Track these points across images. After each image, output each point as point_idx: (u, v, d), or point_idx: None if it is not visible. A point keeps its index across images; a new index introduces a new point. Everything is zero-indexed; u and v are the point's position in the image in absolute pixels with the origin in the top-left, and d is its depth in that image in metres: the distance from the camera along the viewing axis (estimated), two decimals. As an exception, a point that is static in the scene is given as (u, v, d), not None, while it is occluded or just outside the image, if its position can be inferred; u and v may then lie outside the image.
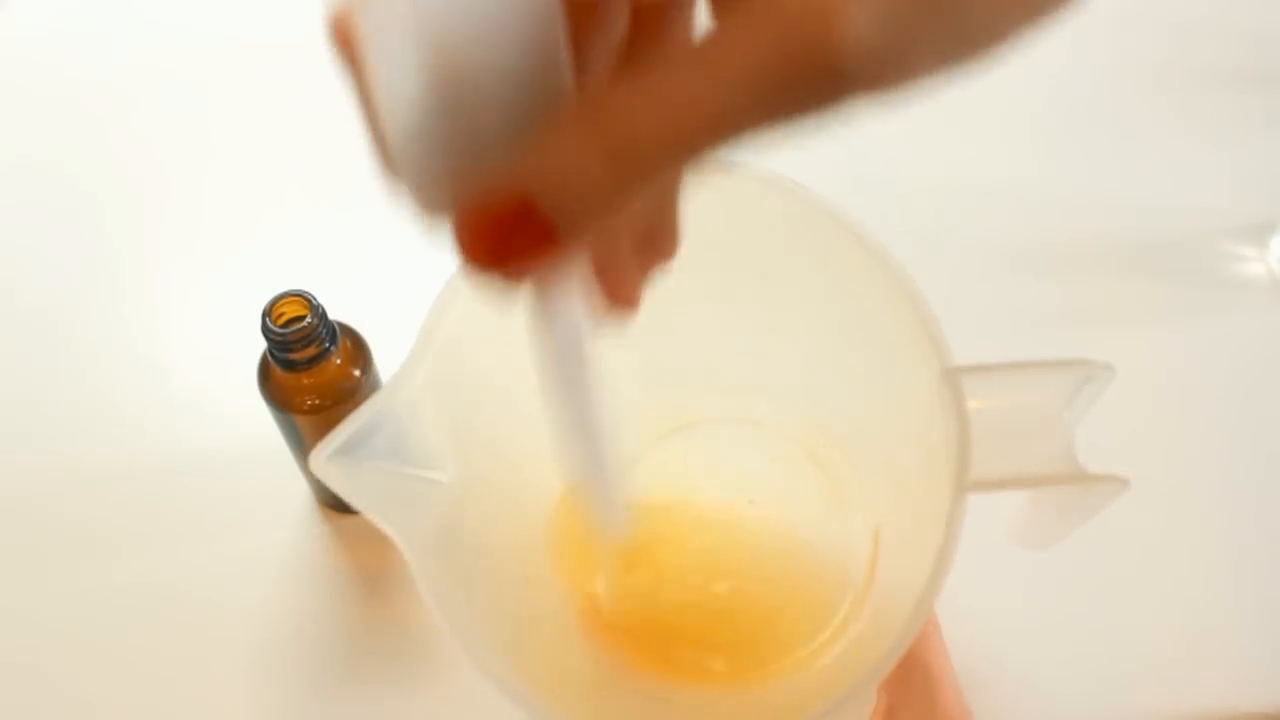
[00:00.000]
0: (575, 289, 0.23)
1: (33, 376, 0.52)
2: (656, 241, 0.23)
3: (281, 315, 0.39)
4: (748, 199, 0.33)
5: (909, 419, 0.36)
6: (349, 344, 0.42)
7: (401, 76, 0.17)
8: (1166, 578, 0.46)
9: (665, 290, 0.25)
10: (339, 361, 0.41)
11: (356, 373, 0.41)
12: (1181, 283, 0.54)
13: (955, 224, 0.55)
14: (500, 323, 0.32)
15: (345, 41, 0.17)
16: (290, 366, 0.39)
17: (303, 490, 0.48)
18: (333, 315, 0.40)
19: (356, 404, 0.41)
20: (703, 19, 0.18)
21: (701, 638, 0.41)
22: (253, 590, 0.46)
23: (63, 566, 0.47)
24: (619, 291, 0.23)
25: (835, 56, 0.15)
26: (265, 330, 0.38)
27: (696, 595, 0.42)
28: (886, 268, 0.31)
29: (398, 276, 0.53)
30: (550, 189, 0.17)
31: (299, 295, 0.39)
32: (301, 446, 0.43)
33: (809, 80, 0.15)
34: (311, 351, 0.39)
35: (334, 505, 0.48)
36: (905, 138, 0.60)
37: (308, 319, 0.38)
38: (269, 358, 0.40)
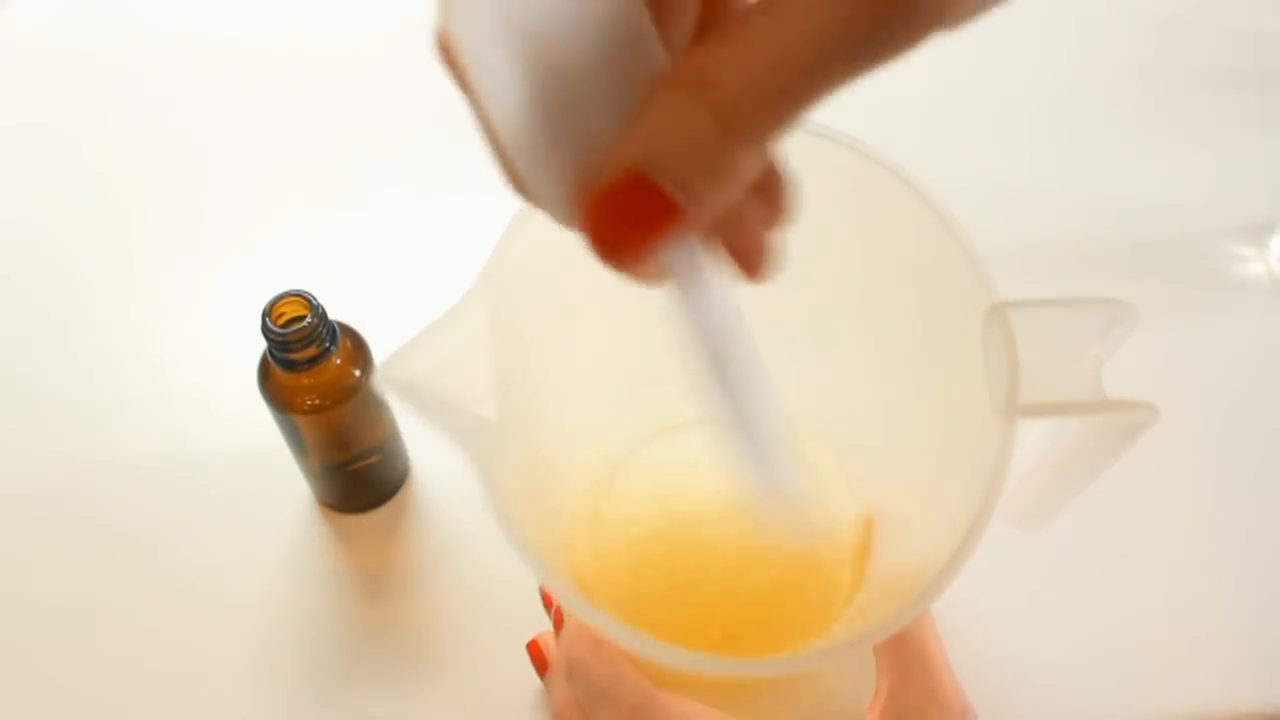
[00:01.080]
0: (710, 269, 0.22)
1: (33, 376, 0.52)
2: (771, 196, 0.23)
3: (281, 315, 0.39)
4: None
5: (918, 408, 0.36)
6: (349, 344, 0.42)
7: (504, 83, 0.17)
8: (1166, 577, 0.46)
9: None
10: (339, 361, 0.41)
11: (356, 373, 0.41)
12: (1181, 283, 0.54)
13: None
14: (549, 268, 0.32)
15: (451, 58, 0.17)
16: (290, 366, 0.39)
17: (303, 490, 0.48)
18: (333, 315, 0.40)
19: (357, 404, 0.41)
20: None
21: (693, 637, 0.41)
22: (253, 590, 0.46)
23: (62, 566, 0.47)
24: (751, 258, 0.23)
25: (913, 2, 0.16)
26: (265, 330, 0.38)
27: (688, 594, 0.42)
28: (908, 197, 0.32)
29: (398, 276, 0.53)
30: (665, 158, 0.17)
31: (299, 295, 0.39)
32: (301, 446, 0.43)
33: (891, 22, 0.16)
34: (311, 351, 0.39)
35: (334, 505, 0.48)
36: (904, 138, 0.60)
37: (308, 319, 0.38)
38: (269, 358, 0.40)
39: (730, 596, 0.42)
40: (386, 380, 0.28)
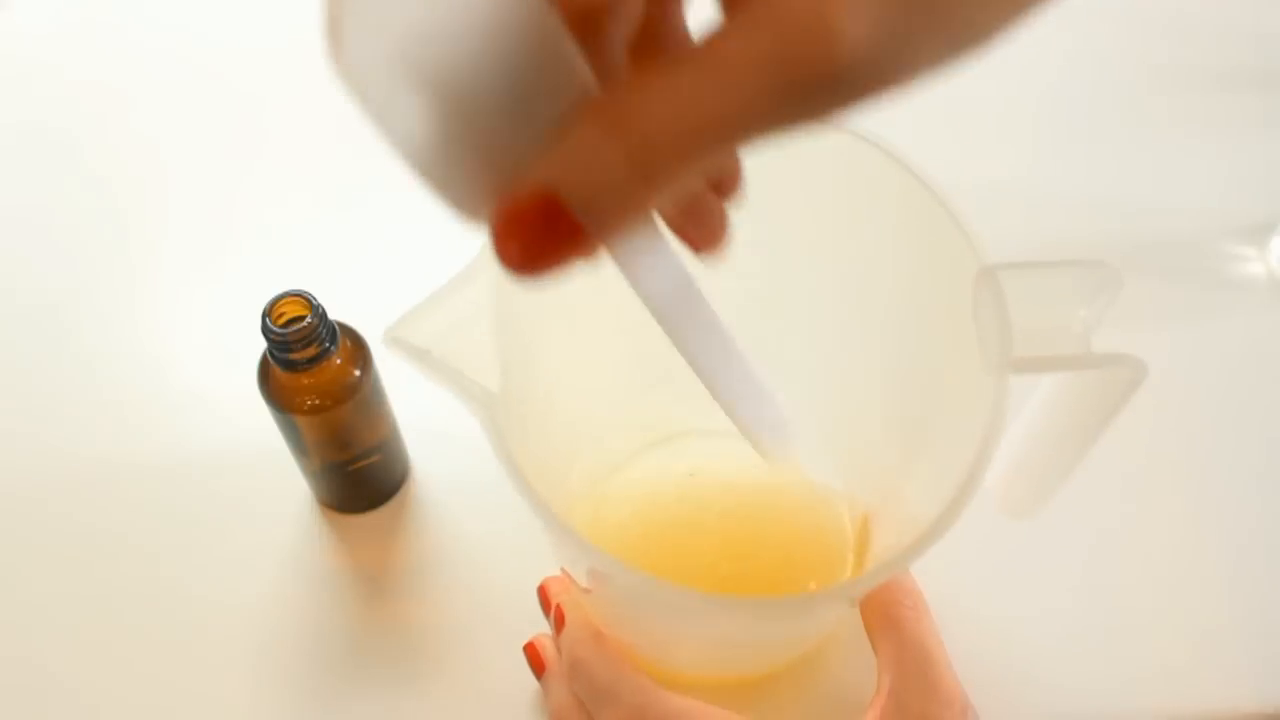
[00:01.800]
0: (662, 242, 0.23)
1: (33, 376, 0.52)
2: (718, 172, 0.23)
3: (281, 315, 0.39)
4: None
5: (905, 414, 0.36)
6: (349, 344, 0.42)
7: (402, 111, 0.17)
8: (1166, 577, 0.46)
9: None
10: (339, 361, 0.41)
11: (356, 373, 0.41)
12: (1181, 283, 0.54)
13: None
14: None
15: (349, 86, 0.18)
16: (290, 366, 0.39)
17: (303, 490, 0.48)
18: (333, 315, 0.40)
19: (357, 404, 0.41)
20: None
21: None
22: (253, 590, 0.46)
23: (62, 566, 0.47)
24: (703, 236, 0.23)
25: (833, 63, 0.16)
26: (265, 330, 0.38)
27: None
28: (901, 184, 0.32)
29: (398, 276, 0.53)
30: (575, 188, 0.18)
31: (299, 295, 0.39)
32: (301, 446, 0.43)
33: (810, 84, 0.16)
34: (311, 351, 0.39)
35: (334, 505, 0.48)
36: (903, 139, 0.59)
37: (308, 319, 0.38)
38: (269, 358, 0.40)
39: (731, 588, 0.42)
40: (392, 341, 0.29)
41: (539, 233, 0.18)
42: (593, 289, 0.29)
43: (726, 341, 0.26)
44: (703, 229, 0.23)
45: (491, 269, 0.30)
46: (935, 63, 0.18)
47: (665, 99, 0.17)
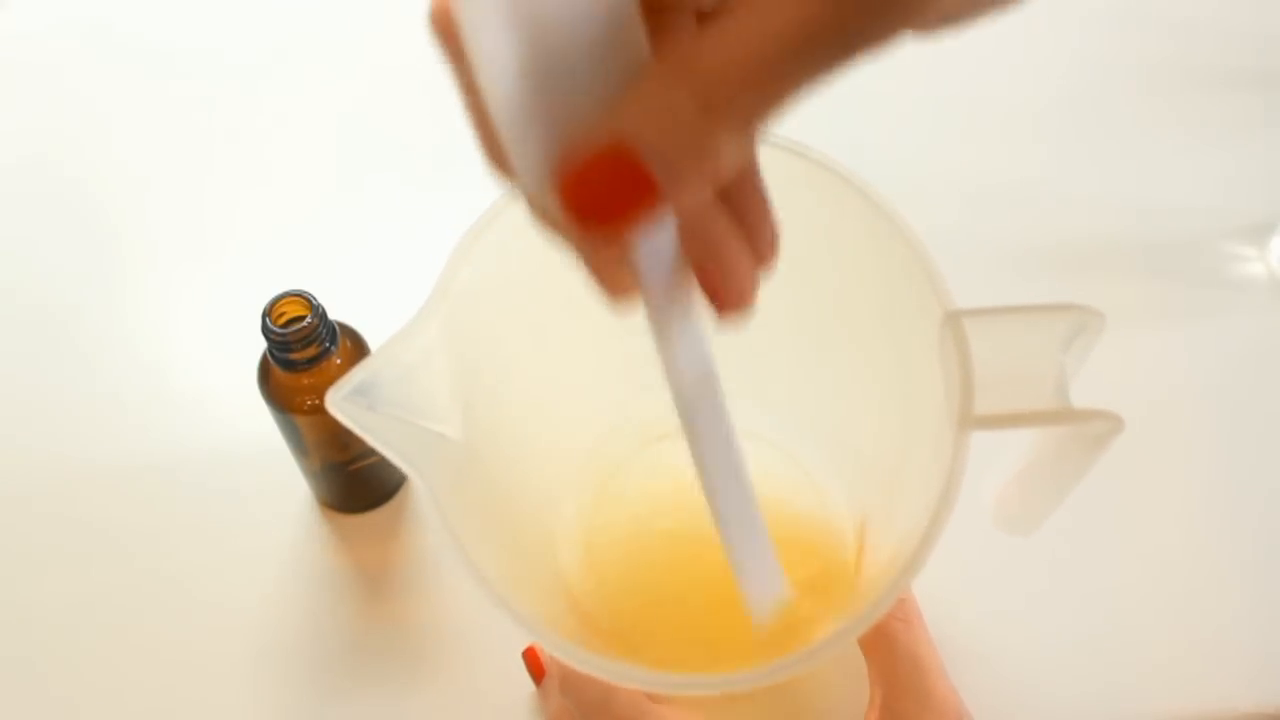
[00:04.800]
0: (688, 297, 0.23)
1: (33, 376, 0.52)
2: (752, 229, 0.23)
3: (281, 315, 0.39)
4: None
5: (900, 416, 0.36)
6: (349, 344, 0.42)
7: (501, 55, 0.18)
8: (1166, 577, 0.46)
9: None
10: (339, 361, 0.41)
11: (356, 373, 0.41)
12: (1181, 283, 0.54)
13: (954, 224, 0.55)
14: (514, 281, 0.32)
15: (446, 32, 0.18)
16: (290, 366, 0.39)
17: (303, 490, 0.48)
18: (333, 315, 0.40)
19: (356, 404, 0.41)
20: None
21: (685, 638, 0.41)
22: (253, 590, 0.46)
23: (62, 566, 0.47)
24: (728, 288, 0.23)
25: None
26: (265, 330, 0.38)
27: (687, 607, 0.42)
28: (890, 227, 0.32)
29: (398, 276, 0.53)
30: (647, 135, 0.18)
31: (299, 295, 0.39)
32: (301, 446, 0.43)
33: (871, 19, 0.17)
34: (311, 351, 0.39)
35: (334, 505, 0.48)
36: (903, 139, 0.60)
37: (308, 319, 0.38)
38: (269, 358, 0.40)
39: (731, 607, 0.42)
40: (332, 405, 0.28)
41: (608, 185, 0.18)
42: (560, 306, 0.29)
43: (741, 463, 0.26)
44: (731, 283, 0.23)
45: (441, 310, 0.30)
46: (978, 4, 0.18)
47: (727, 38, 0.17)
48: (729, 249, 0.23)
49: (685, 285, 0.23)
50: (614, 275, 0.22)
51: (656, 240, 0.22)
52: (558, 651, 0.28)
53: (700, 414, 0.24)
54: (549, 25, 0.18)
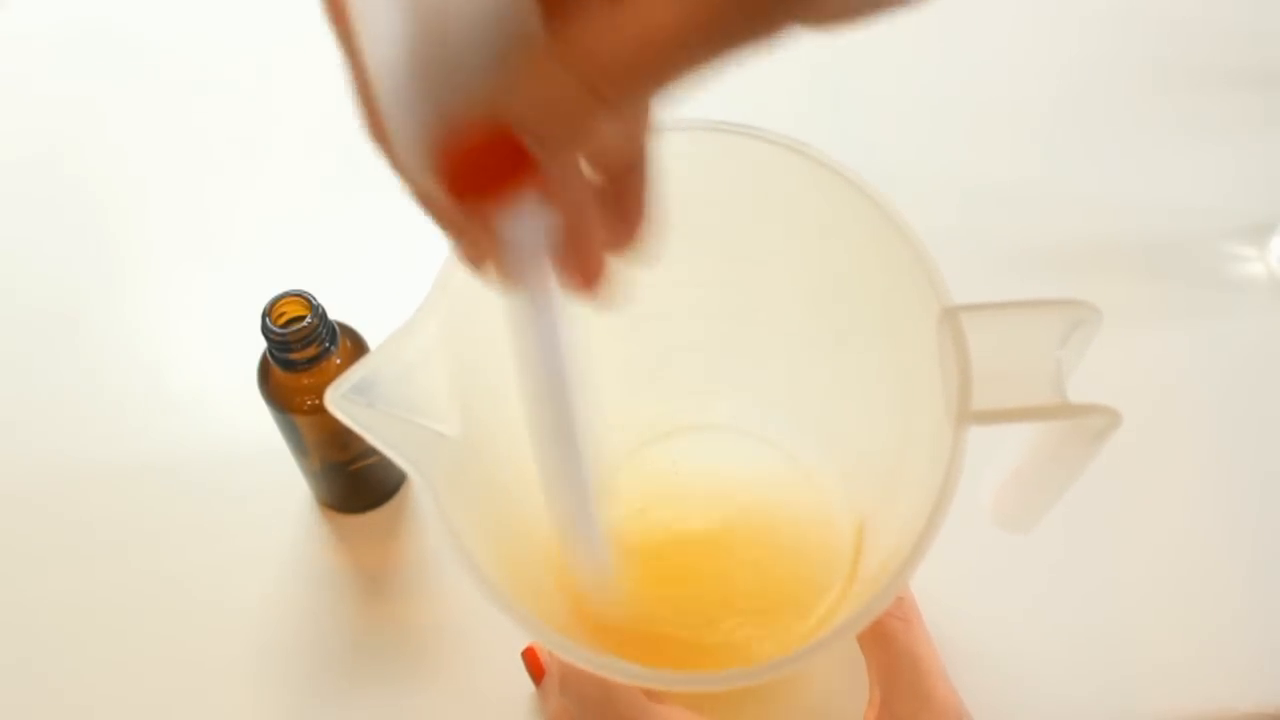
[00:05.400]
0: (551, 281, 0.23)
1: (33, 376, 0.52)
2: (624, 209, 0.24)
3: (282, 315, 0.39)
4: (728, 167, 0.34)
5: (898, 415, 0.36)
6: (349, 344, 0.42)
7: (382, 30, 0.18)
8: (1166, 577, 0.46)
9: (649, 289, 0.25)
10: (339, 361, 0.41)
11: (356, 373, 0.41)
12: (1181, 283, 0.54)
13: (954, 224, 0.55)
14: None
15: (336, 8, 0.18)
16: (290, 366, 0.39)
17: (303, 490, 0.48)
18: (333, 315, 0.40)
19: (356, 404, 0.41)
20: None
21: (684, 636, 0.41)
22: (253, 590, 0.46)
23: (62, 566, 0.47)
24: (587, 265, 0.24)
25: None
26: (265, 330, 0.38)
27: (688, 602, 0.42)
28: (884, 219, 0.32)
29: (398, 276, 0.53)
30: (527, 114, 0.19)
31: (299, 295, 0.39)
32: (301, 446, 0.43)
33: (756, 10, 0.17)
34: (311, 351, 0.39)
35: (334, 505, 0.48)
36: (903, 139, 0.60)
37: (308, 319, 0.38)
38: (269, 358, 0.40)
39: (730, 606, 0.42)
40: (331, 403, 0.28)
41: (486, 162, 0.19)
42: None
43: (586, 447, 0.26)
44: (580, 259, 0.24)
45: (442, 312, 0.30)
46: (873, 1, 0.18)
47: (614, 23, 0.17)
48: (586, 225, 0.23)
49: (548, 270, 0.23)
50: (478, 246, 0.22)
51: (527, 220, 0.22)
52: (556, 648, 0.28)
53: (544, 402, 0.25)
54: (436, 5, 0.18)
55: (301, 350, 0.38)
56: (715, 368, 0.42)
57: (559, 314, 0.24)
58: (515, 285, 0.23)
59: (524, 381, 0.25)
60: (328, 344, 0.39)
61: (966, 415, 0.28)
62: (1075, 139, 0.60)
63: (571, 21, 0.18)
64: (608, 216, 0.24)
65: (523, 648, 0.42)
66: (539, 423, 0.26)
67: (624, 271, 0.24)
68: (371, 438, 0.28)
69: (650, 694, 0.35)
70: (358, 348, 0.42)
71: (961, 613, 0.44)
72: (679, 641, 0.41)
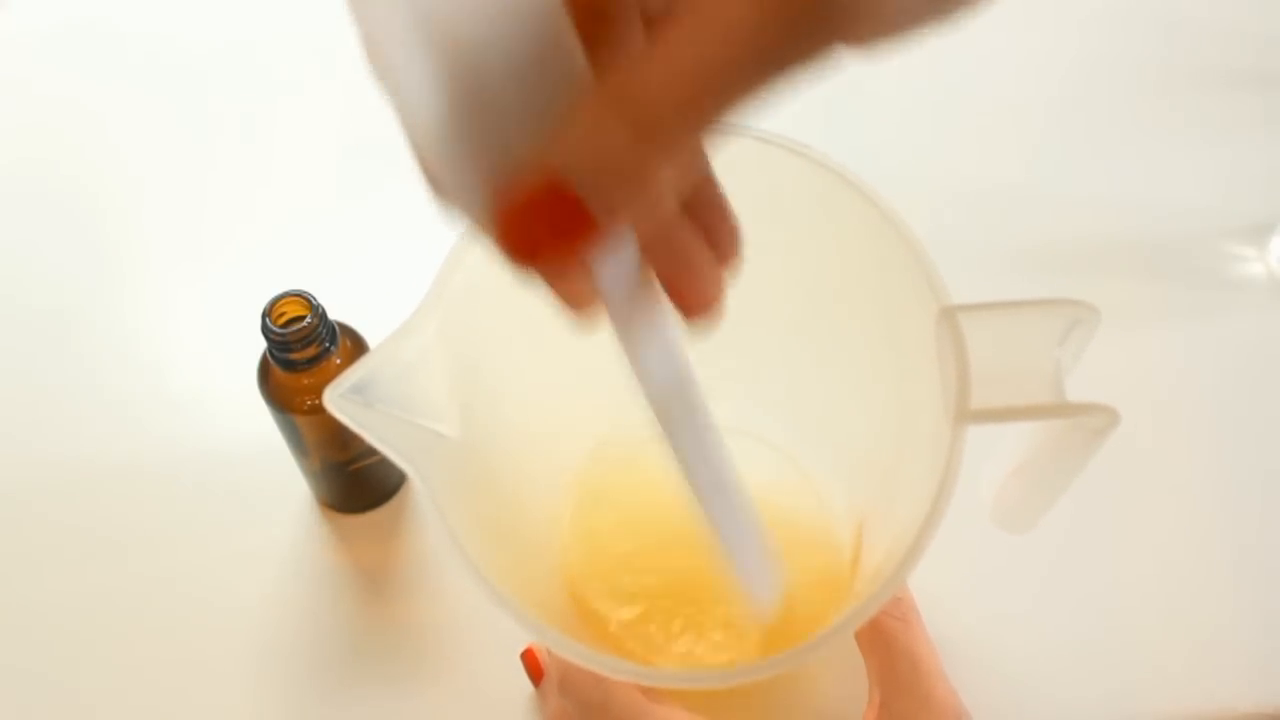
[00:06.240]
0: (654, 308, 0.23)
1: (33, 376, 0.52)
2: (714, 233, 0.23)
3: (282, 315, 0.39)
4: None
5: (897, 415, 0.36)
6: (349, 344, 0.42)
7: (421, 89, 0.17)
8: (1166, 578, 0.46)
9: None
10: (339, 361, 0.41)
11: (356, 373, 0.41)
12: (1181, 283, 0.54)
13: (954, 224, 0.55)
14: (512, 280, 0.32)
15: (374, 61, 0.18)
16: (290, 366, 0.39)
17: (303, 490, 0.48)
18: (333, 315, 0.40)
19: (356, 404, 0.41)
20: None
21: (684, 635, 0.41)
22: (253, 590, 0.46)
23: (62, 566, 0.47)
24: (695, 294, 0.23)
25: (821, 5, 0.16)
26: (265, 330, 0.38)
27: (687, 602, 0.42)
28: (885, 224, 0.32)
29: (398, 276, 0.53)
30: (581, 168, 0.18)
31: (299, 295, 0.39)
32: (301, 446, 0.43)
33: (800, 31, 0.16)
34: (311, 351, 0.39)
35: (334, 505, 0.48)
36: (903, 139, 0.60)
37: (308, 319, 0.38)
38: (269, 358, 0.40)
39: (729, 605, 0.42)
40: (329, 402, 0.28)
41: (542, 221, 0.18)
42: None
43: (726, 466, 0.25)
44: (696, 288, 0.23)
45: (438, 310, 0.30)
46: (918, 19, 0.18)
47: (659, 62, 0.17)
48: (691, 256, 0.23)
49: (650, 296, 0.23)
50: (574, 294, 0.22)
51: (615, 257, 0.22)
52: (554, 646, 0.28)
53: (677, 422, 0.24)
54: (473, 56, 0.18)
55: (301, 350, 0.38)
56: (715, 368, 0.42)
57: (674, 340, 0.23)
58: (614, 319, 0.22)
59: (652, 405, 0.24)
60: (328, 344, 0.39)
61: (965, 414, 0.28)
62: (1075, 139, 0.60)
63: (614, 62, 0.17)
64: (698, 236, 0.23)
65: (522, 648, 0.42)
66: (678, 444, 0.25)
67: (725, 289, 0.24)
68: (370, 437, 0.28)
69: (649, 695, 0.35)
70: (358, 348, 0.42)
71: (961, 613, 0.44)
72: (677, 639, 0.41)
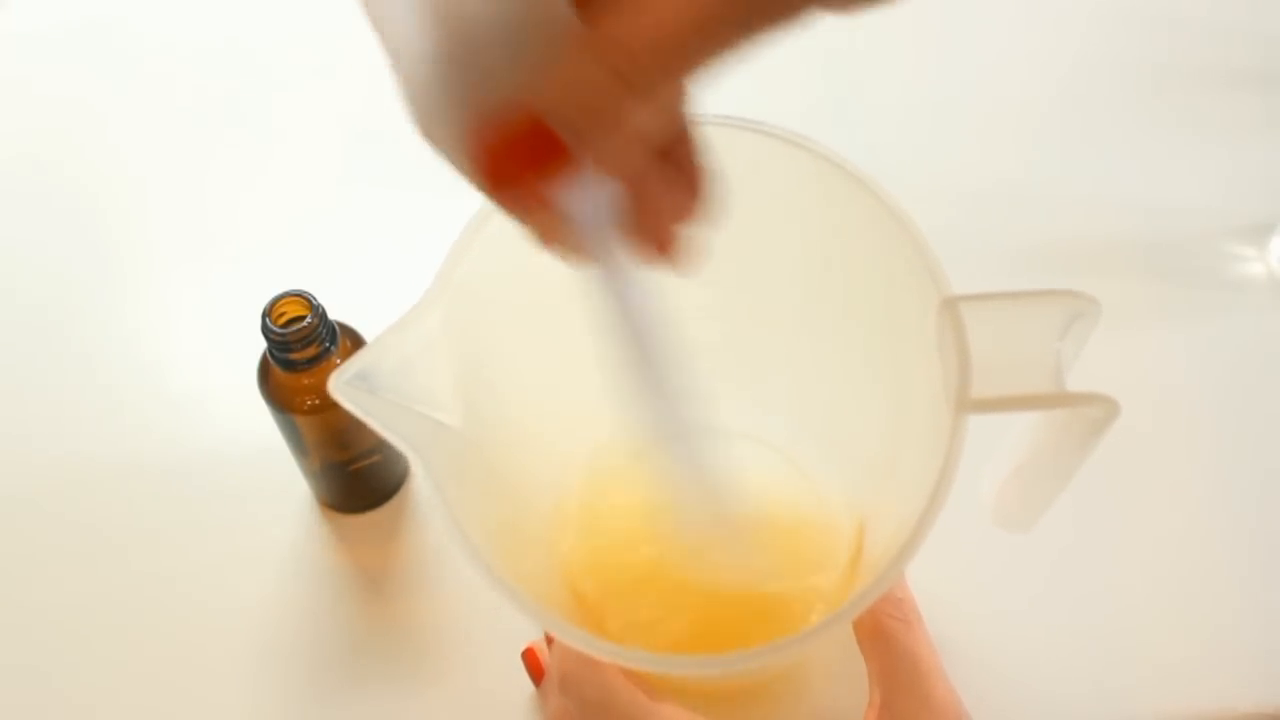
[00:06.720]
0: (623, 252, 0.23)
1: (33, 376, 0.52)
2: (687, 180, 0.24)
3: (282, 315, 0.39)
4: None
5: (898, 411, 0.36)
6: (349, 344, 0.42)
7: (408, 29, 0.19)
8: (1166, 578, 0.46)
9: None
10: (339, 361, 0.41)
11: (356, 373, 0.41)
12: (1181, 283, 0.54)
13: (954, 224, 0.54)
14: (516, 273, 0.32)
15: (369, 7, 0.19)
16: (290, 366, 0.39)
17: (303, 490, 0.48)
18: (333, 315, 0.40)
19: (356, 404, 0.41)
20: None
21: (684, 628, 0.41)
22: (253, 590, 0.46)
23: (62, 566, 0.47)
24: (656, 235, 0.24)
25: None
26: (265, 330, 0.38)
27: (686, 599, 0.42)
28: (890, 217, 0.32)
29: (398, 276, 0.53)
30: (558, 104, 0.19)
31: (299, 295, 0.39)
32: (301, 446, 0.43)
33: None
34: (311, 351, 0.39)
35: (334, 505, 0.48)
36: (904, 139, 0.60)
37: (308, 319, 0.38)
38: (269, 358, 0.40)
39: (730, 599, 0.42)
40: (334, 389, 0.29)
41: (519, 153, 0.19)
42: (562, 297, 0.29)
43: (683, 376, 0.27)
44: (656, 230, 0.24)
45: (443, 300, 0.30)
46: None
47: (642, 14, 0.18)
48: (656, 199, 0.24)
49: (618, 235, 0.24)
50: (547, 228, 0.23)
51: (589, 193, 0.22)
52: (555, 631, 0.28)
53: (642, 364, 0.25)
54: (460, 1, 0.19)
55: (301, 350, 0.38)
56: (714, 368, 0.42)
57: (636, 283, 0.24)
58: (587, 260, 0.23)
59: (615, 350, 0.25)
60: (328, 344, 0.39)
61: (965, 403, 0.28)
62: (1076, 139, 0.60)
63: (602, 12, 0.18)
64: (669, 185, 0.24)
65: (523, 648, 0.42)
66: (636, 387, 0.26)
67: (696, 236, 0.25)
68: (374, 424, 0.28)
69: (650, 694, 0.35)
70: (357, 347, 0.42)
71: (961, 613, 0.44)
72: (677, 630, 0.41)
